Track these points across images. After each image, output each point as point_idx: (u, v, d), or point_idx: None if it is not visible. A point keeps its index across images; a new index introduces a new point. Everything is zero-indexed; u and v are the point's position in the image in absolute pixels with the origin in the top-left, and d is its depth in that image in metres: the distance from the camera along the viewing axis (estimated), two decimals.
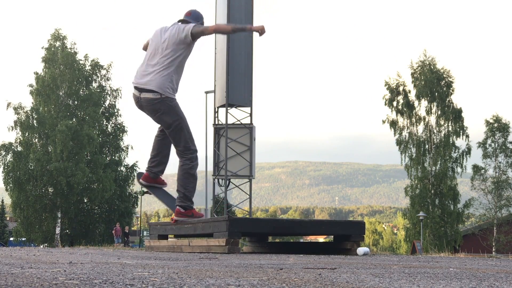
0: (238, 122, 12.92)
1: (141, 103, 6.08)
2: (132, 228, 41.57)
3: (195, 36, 6.00)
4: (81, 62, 37.18)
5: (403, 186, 37.35)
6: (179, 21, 6.24)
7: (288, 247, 8.42)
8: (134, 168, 39.20)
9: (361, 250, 6.90)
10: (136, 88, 6.09)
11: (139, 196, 39.00)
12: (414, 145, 35.75)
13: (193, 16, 6.24)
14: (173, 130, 6.11)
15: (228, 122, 12.70)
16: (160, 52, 6.05)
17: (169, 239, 8.76)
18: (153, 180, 6.79)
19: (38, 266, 3.28)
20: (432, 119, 35.94)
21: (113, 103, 38.74)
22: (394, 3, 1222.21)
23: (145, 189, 7.17)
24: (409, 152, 35.97)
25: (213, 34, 13.12)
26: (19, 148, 35.18)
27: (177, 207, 6.46)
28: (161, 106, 5.98)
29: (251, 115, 12.90)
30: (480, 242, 33.82)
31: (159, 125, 6.36)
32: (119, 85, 60.64)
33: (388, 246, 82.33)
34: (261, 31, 6.05)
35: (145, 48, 6.43)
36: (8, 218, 64.57)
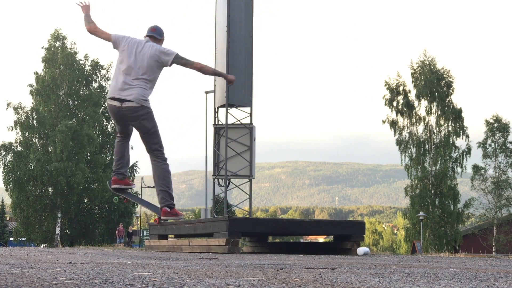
0: (238, 122, 12.92)
1: (122, 113, 6.46)
2: (132, 228, 41.57)
3: (177, 64, 6.53)
4: (81, 62, 37.19)
5: (403, 186, 37.35)
6: (147, 36, 6.69)
7: (288, 247, 8.42)
8: (134, 168, 39.21)
9: (361, 250, 6.90)
10: (115, 99, 6.46)
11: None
12: (414, 145, 35.75)
13: (158, 32, 6.72)
14: (151, 134, 6.58)
15: (228, 122, 12.70)
16: (138, 69, 6.50)
17: (169, 239, 8.77)
18: (122, 182, 7.02)
19: (38, 266, 3.28)
20: (432, 119, 35.96)
21: None
22: (394, 3, 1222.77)
23: (118, 197, 7.34)
24: (409, 152, 35.97)
25: (214, 34, 13.16)
26: (19, 148, 35.18)
27: (164, 207, 6.58)
28: (143, 112, 6.44)
29: (251, 115, 12.89)
30: (480, 242, 33.82)
31: (121, 132, 6.80)
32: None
33: (388, 246, 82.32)
34: (232, 81, 6.72)
35: (107, 38, 6.78)
36: (8, 218, 64.58)
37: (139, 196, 38.98)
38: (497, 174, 35.34)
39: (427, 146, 35.66)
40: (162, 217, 6.62)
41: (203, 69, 6.65)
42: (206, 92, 25.50)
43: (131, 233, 38.95)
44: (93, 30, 6.76)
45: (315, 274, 2.84)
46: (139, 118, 6.45)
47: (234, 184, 13.42)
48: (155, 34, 6.67)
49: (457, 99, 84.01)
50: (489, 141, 35.54)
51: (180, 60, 6.50)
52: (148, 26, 6.82)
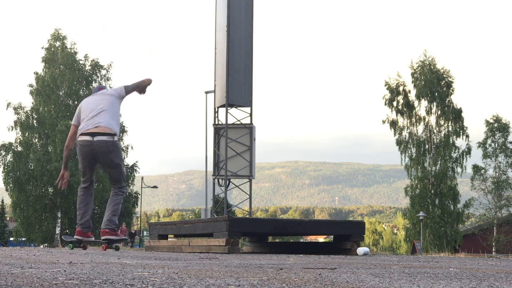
0: (238, 122, 12.91)
1: (93, 147, 6.93)
2: (134, 229, 41.66)
3: (128, 93, 7.33)
4: (81, 62, 37.17)
5: (403, 186, 37.35)
6: (99, 89, 7.51)
7: (288, 247, 8.42)
8: (134, 168, 39.21)
9: (361, 250, 6.90)
10: (87, 134, 6.96)
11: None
12: (414, 145, 35.76)
13: (104, 88, 7.56)
14: (118, 169, 7.13)
15: (228, 122, 12.69)
16: (103, 108, 7.08)
17: (169, 239, 8.77)
18: (85, 235, 7.37)
19: (38, 266, 3.28)
20: (432, 119, 35.97)
21: None
22: (394, 3, 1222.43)
23: (73, 244, 7.71)
24: (409, 152, 35.98)
25: (214, 34, 13.16)
26: (19, 148, 35.17)
27: (108, 230, 7.17)
28: (114, 147, 6.99)
29: (251, 115, 12.89)
30: (480, 242, 33.82)
31: (86, 181, 7.25)
32: (119, 85, 60.55)
33: (388, 246, 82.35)
34: (148, 84, 7.46)
35: (74, 132, 7.33)
36: (8, 218, 64.58)
37: (138, 196, 39.04)
38: (497, 174, 35.34)
39: (427, 146, 35.66)
40: (107, 236, 7.13)
41: (145, 83, 7.40)
42: (206, 92, 25.51)
43: (133, 234, 38.97)
44: (71, 145, 7.39)
45: (315, 274, 2.84)
46: (110, 152, 6.97)
47: (234, 184, 13.42)
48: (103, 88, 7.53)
49: (457, 99, 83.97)
50: (489, 141, 35.55)
51: (129, 90, 7.33)
52: (96, 87, 7.74)
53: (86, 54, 37.82)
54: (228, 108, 12.66)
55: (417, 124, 36.15)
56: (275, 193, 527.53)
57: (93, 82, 37.70)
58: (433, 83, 35.48)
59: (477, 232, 35.58)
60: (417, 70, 36.35)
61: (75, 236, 7.35)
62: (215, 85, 13.06)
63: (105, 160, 6.99)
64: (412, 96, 36.41)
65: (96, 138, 6.88)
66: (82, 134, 6.97)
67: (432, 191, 35.02)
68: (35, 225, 35.28)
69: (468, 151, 35.43)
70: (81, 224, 7.24)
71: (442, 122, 35.71)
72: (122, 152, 38.96)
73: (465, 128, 35.47)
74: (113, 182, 7.20)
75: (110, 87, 6.90)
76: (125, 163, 39.17)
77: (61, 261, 3.97)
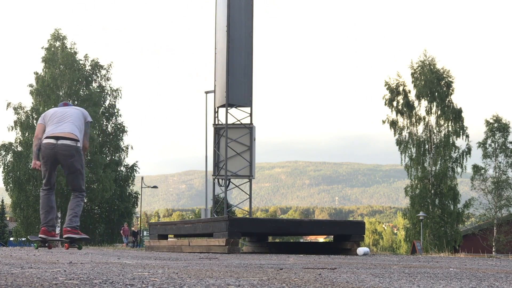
0: (238, 122, 12.91)
1: (56, 150, 7.24)
2: (132, 228, 41.68)
3: (85, 126, 7.62)
4: (81, 62, 37.18)
5: (403, 186, 37.36)
6: (64, 104, 7.82)
7: (288, 247, 8.42)
8: (134, 168, 39.23)
9: (361, 250, 6.89)
10: (52, 137, 7.27)
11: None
12: (414, 145, 35.76)
13: (69, 105, 7.84)
14: (79, 174, 7.40)
15: (228, 122, 12.69)
16: (70, 117, 7.43)
17: (169, 239, 8.76)
18: (50, 234, 7.60)
19: (38, 266, 3.28)
20: (432, 119, 35.97)
21: (113, 103, 38.79)
22: (394, 3, 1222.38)
23: (38, 243, 7.77)
24: (409, 152, 35.98)
25: (214, 34, 13.15)
26: (19, 148, 35.18)
27: (70, 228, 7.39)
28: (76, 152, 7.30)
29: (251, 115, 12.88)
30: (480, 242, 33.82)
31: (47, 184, 7.53)
32: (119, 85, 60.66)
33: (388, 246, 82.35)
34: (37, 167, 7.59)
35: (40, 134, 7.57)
36: (8, 218, 64.58)
37: (138, 196, 39.03)
38: (497, 174, 35.34)
39: (427, 146, 35.66)
40: (64, 235, 7.32)
41: (86, 144, 7.65)
42: (206, 92, 25.51)
43: (136, 232, 38.94)
44: (40, 136, 7.54)
45: (315, 274, 2.84)
46: (72, 156, 7.40)
47: (234, 184, 13.42)
48: (69, 105, 7.83)
49: (457, 99, 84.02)
50: (489, 141, 35.55)
51: (87, 126, 7.65)
52: (61, 102, 7.96)
53: (86, 54, 37.87)
54: (228, 108, 12.65)
55: (417, 124, 36.16)
56: (275, 193, 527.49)
57: (93, 82, 37.73)
58: (433, 83, 35.49)
59: (477, 232, 35.57)
60: (417, 70, 36.35)
61: (39, 235, 7.55)
62: (215, 85, 13.06)
63: (66, 164, 7.29)
64: (412, 96, 36.44)
65: (60, 142, 7.24)
66: (47, 137, 7.31)
67: (432, 191, 35.02)
68: (35, 225, 35.29)
69: (468, 151, 35.43)
70: (46, 223, 7.51)
71: (442, 122, 35.71)
72: (122, 152, 39.15)
73: (465, 128, 35.48)
74: (73, 188, 7.46)
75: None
76: (126, 163, 39.23)
77: (61, 261, 3.97)
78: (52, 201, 7.56)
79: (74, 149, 7.28)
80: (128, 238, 34.20)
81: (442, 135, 35.56)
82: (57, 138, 7.26)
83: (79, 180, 7.42)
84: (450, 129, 35.54)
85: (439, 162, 35.02)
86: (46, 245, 7.66)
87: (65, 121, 7.39)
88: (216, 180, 13.16)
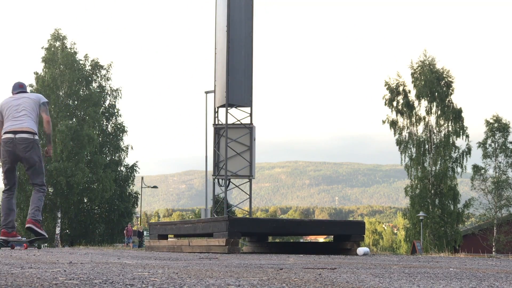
0: (238, 122, 12.91)
1: (15, 143, 7.51)
2: (137, 228, 41.73)
3: (43, 112, 7.76)
4: (81, 62, 37.19)
5: (403, 186, 37.36)
6: (19, 92, 7.91)
7: (288, 247, 8.42)
8: (134, 168, 39.23)
9: (361, 250, 6.89)
10: (10, 132, 7.54)
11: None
12: (414, 145, 35.76)
13: (24, 87, 8.04)
14: (37, 167, 7.63)
15: (228, 122, 12.69)
16: (23, 109, 7.63)
17: (169, 239, 8.76)
18: (10, 235, 7.72)
19: (38, 266, 3.28)
20: (432, 119, 35.98)
21: (113, 103, 38.80)
22: (394, 3, 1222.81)
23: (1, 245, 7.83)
24: (409, 152, 35.98)
25: (214, 34, 13.16)
26: None
27: (35, 220, 7.57)
28: (33, 145, 7.57)
29: (251, 115, 12.88)
30: (480, 242, 33.82)
31: (8, 184, 7.76)
32: (119, 85, 60.68)
33: (388, 246, 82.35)
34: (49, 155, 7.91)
35: None
36: None
37: (138, 196, 39.06)
38: (497, 174, 35.35)
39: (427, 146, 35.66)
40: (32, 226, 7.51)
41: (50, 128, 7.82)
42: (206, 92, 25.54)
43: (141, 232, 38.91)
44: None
45: (315, 274, 2.84)
46: (30, 149, 7.52)
47: (234, 184, 13.41)
48: (24, 89, 7.99)
49: (457, 99, 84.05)
50: (489, 141, 35.56)
51: (45, 109, 7.79)
52: (15, 83, 8.03)
53: (86, 54, 37.87)
54: (228, 108, 12.65)
55: (417, 124, 36.16)
56: (275, 193, 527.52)
57: (93, 82, 37.73)
58: (433, 83, 35.49)
59: (477, 232, 35.57)
60: (417, 70, 36.36)
61: (0, 237, 7.68)
62: (215, 85, 13.05)
63: (25, 156, 7.53)
64: (412, 96, 36.45)
65: (18, 135, 7.53)
66: (5, 133, 7.60)
67: (432, 191, 35.02)
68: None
69: (468, 151, 35.44)
70: (5, 225, 7.68)
71: (442, 122, 35.71)
72: (122, 152, 39.13)
73: (465, 128, 35.48)
74: (33, 183, 7.69)
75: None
76: (126, 163, 39.24)
77: (61, 261, 3.97)
78: (13, 204, 7.77)
79: (31, 141, 7.56)
80: (131, 238, 34.21)
81: (442, 135, 35.57)
82: (15, 132, 7.56)
83: (38, 174, 7.66)
84: (450, 129, 35.55)
85: (439, 162, 35.02)
86: (9, 245, 7.76)
87: (22, 116, 7.63)
88: (216, 180, 13.16)
